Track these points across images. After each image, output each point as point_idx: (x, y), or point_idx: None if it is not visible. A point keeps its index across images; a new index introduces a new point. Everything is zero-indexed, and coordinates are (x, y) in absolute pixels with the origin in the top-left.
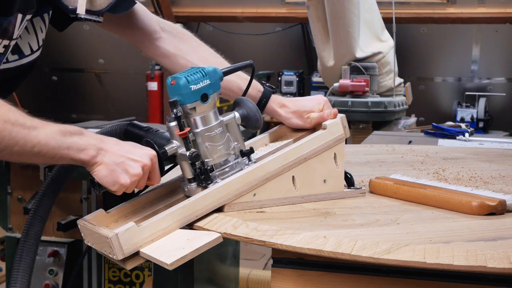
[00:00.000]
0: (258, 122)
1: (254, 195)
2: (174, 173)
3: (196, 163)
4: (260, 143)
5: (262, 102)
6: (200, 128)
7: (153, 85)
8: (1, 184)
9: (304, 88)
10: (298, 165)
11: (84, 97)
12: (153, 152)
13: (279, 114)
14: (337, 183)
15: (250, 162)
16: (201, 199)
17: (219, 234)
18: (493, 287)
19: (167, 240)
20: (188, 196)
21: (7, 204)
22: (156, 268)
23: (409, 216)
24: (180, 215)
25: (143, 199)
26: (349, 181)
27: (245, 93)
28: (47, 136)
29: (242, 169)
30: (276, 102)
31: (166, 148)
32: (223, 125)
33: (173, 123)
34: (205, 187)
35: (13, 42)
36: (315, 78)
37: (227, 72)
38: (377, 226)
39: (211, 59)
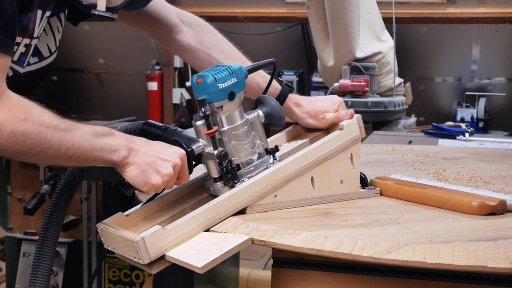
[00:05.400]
0: (281, 121)
1: (275, 196)
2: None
3: (223, 162)
4: (276, 143)
5: (279, 101)
6: (227, 126)
7: (153, 85)
8: (1, 184)
9: (304, 88)
10: (317, 166)
11: (84, 97)
12: (183, 151)
13: (294, 113)
14: (353, 184)
15: (274, 161)
16: (224, 201)
17: (248, 237)
18: (493, 287)
19: (193, 243)
20: (213, 195)
21: (7, 204)
22: None
23: (410, 216)
24: (205, 218)
25: (160, 202)
26: (363, 181)
27: (265, 91)
28: (80, 138)
29: (267, 168)
30: (293, 101)
31: (193, 147)
32: (248, 123)
33: (200, 122)
34: (232, 186)
35: (34, 41)
36: (315, 78)
37: (250, 70)
38: (378, 226)
39: (231, 55)
